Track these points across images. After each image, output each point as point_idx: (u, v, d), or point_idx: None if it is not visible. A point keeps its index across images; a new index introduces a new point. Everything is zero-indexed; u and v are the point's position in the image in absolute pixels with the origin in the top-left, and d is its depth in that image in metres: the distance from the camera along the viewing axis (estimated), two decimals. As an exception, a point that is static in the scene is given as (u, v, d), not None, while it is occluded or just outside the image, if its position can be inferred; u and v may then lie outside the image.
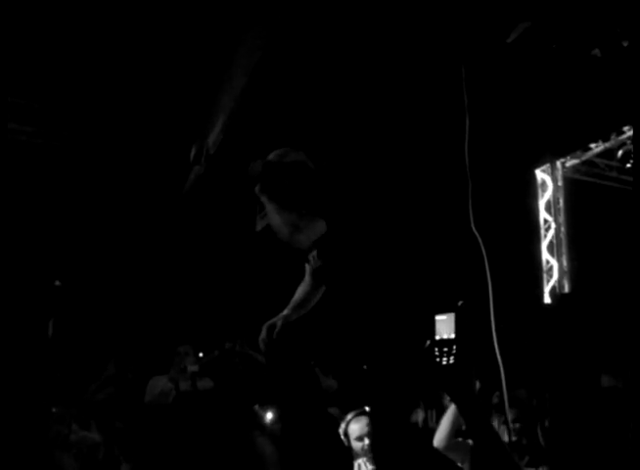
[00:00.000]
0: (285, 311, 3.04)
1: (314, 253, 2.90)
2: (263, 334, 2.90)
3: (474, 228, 2.56)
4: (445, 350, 5.38)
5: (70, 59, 5.55)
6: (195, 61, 4.84)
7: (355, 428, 4.62)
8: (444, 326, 6.20)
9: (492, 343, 2.61)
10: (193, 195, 6.46)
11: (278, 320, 2.94)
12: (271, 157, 2.99)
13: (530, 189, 9.35)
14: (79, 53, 5.43)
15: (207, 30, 4.57)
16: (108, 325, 8.22)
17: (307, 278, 3.16)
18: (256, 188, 2.88)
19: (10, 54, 5.07)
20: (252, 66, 4.40)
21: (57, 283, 7.73)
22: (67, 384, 6.96)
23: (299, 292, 3.11)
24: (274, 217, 2.80)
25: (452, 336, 6.18)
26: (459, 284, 7.81)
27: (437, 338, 6.02)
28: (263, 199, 2.86)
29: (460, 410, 3.26)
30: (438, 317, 6.23)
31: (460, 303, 6.42)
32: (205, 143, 5.38)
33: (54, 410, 6.16)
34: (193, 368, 5.93)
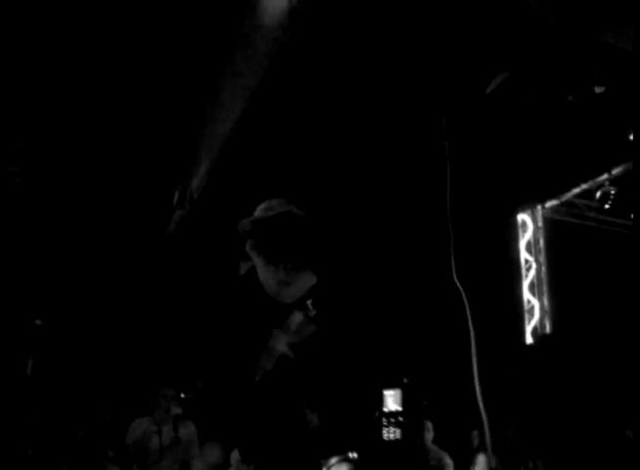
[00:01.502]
0: (282, 336, 3.03)
1: (310, 301, 2.92)
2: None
3: (456, 279, 2.59)
4: (392, 420, 5.96)
5: (53, 99, 5.59)
6: (178, 104, 4.89)
7: (336, 474, 4.58)
8: (392, 399, 7.04)
9: (474, 388, 2.63)
10: (176, 238, 6.47)
11: (285, 351, 2.93)
12: (257, 213, 3.03)
13: (511, 230, 9.44)
14: (63, 94, 5.48)
15: (191, 73, 4.63)
16: (88, 365, 8.12)
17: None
18: (247, 246, 2.91)
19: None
20: (238, 109, 4.47)
21: (37, 322, 7.67)
22: (45, 424, 6.86)
23: (293, 320, 3.12)
24: (262, 274, 2.82)
25: (399, 408, 7.00)
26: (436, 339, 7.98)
27: (386, 410, 6.72)
28: (253, 255, 2.88)
29: None
30: (387, 392, 7.00)
31: (405, 380, 6.89)
32: (189, 187, 5.43)
33: (30, 452, 6.07)
34: (176, 411, 5.88)
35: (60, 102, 5.22)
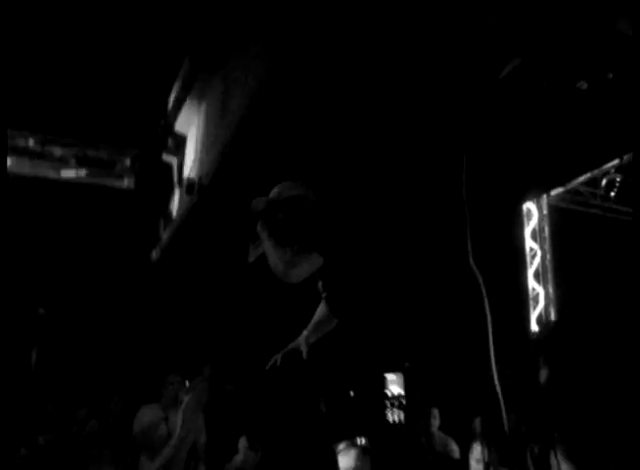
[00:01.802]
0: (304, 333, 3.06)
1: (320, 284, 2.94)
2: (280, 360, 2.91)
3: (472, 264, 2.59)
4: (395, 403, 6.07)
5: (60, 82, 5.57)
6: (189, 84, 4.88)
7: (343, 461, 4.59)
8: (395, 383, 7.28)
9: (492, 376, 2.64)
10: (184, 225, 6.46)
11: (301, 345, 2.95)
12: (271, 194, 3.05)
13: (516, 217, 9.45)
14: (68, 73, 5.46)
15: (202, 57, 4.60)
16: (91, 354, 8.12)
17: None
18: (258, 225, 2.93)
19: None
20: (249, 95, 4.45)
21: (41, 311, 7.66)
22: (52, 413, 6.87)
23: (318, 313, 3.15)
24: (270, 254, 2.84)
25: (402, 392, 7.22)
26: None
27: (389, 393, 6.88)
28: (263, 235, 2.90)
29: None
30: (389, 376, 7.23)
31: (407, 364, 7.04)
32: (199, 173, 5.41)
33: (40, 440, 6.08)
34: (183, 398, 5.89)
35: (72, 83, 5.20)
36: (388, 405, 6.84)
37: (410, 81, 4.55)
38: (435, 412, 6.45)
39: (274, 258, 2.86)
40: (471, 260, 2.60)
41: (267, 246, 2.90)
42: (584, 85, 4.91)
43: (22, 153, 6.62)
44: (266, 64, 3.79)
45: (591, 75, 4.82)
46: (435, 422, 6.41)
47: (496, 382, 2.51)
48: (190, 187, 4.77)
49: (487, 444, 5.81)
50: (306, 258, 2.85)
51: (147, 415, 5.72)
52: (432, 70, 4.25)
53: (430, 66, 4.20)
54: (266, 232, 2.91)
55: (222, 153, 4.56)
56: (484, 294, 2.56)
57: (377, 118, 5.26)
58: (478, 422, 6.87)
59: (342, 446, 4.77)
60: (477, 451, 4.43)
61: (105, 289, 8.02)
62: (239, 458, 6.61)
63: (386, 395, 7.02)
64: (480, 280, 2.57)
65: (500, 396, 2.50)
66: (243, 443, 6.66)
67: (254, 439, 6.50)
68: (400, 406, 6.79)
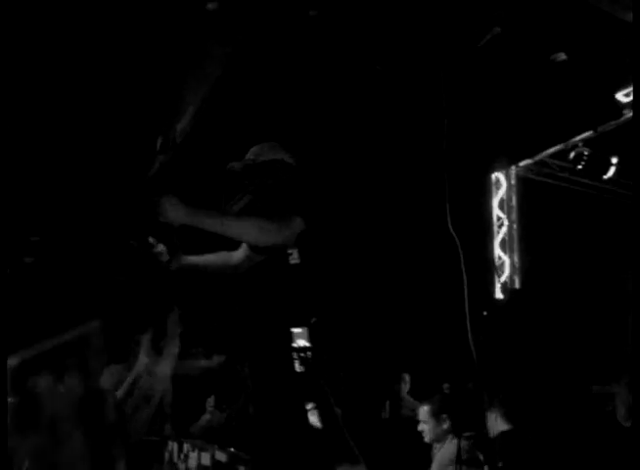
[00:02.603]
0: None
1: (295, 251, 2.89)
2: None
3: (451, 229, 2.63)
4: (302, 355, 6.28)
5: (45, 49, 5.45)
6: (165, 48, 4.79)
7: (310, 421, 4.67)
8: (300, 336, 7.52)
9: (467, 338, 2.69)
10: (157, 183, 6.36)
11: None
12: (248, 156, 2.99)
13: (485, 187, 9.54)
14: (57, 49, 5.34)
15: (178, 19, 4.52)
16: (63, 310, 8.03)
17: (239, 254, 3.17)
18: (234, 190, 2.88)
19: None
20: (226, 56, 4.37)
21: (27, 260, 7.50)
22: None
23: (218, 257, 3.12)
24: (251, 221, 2.78)
25: (308, 344, 7.43)
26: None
27: (295, 345, 7.05)
28: (241, 201, 2.85)
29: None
30: (295, 330, 7.43)
31: (313, 319, 7.22)
32: (173, 132, 5.32)
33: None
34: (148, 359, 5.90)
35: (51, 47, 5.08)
36: (295, 357, 7.13)
37: (391, 46, 4.53)
38: (407, 378, 6.58)
39: (255, 225, 2.81)
40: (450, 226, 2.64)
41: (246, 212, 2.86)
42: (562, 56, 4.94)
43: None
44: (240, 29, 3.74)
45: (568, 48, 4.86)
46: (405, 387, 6.55)
47: (471, 346, 2.56)
48: (164, 145, 4.69)
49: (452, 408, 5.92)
50: (290, 224, 2.81)
51: (113, 375, 5.72)
52: (414, 36, 4.24)
53: (412, 31, 4.19)
54: (244, 198, 2.86)
55: (196, 110, 4.49)
56: (462, 258, 2.60)
57: (356, 86, 5.23)
58: (447, 387, 7.03)
59: (309, 406, 4.84)
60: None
61: (75, 247, 7.90)
62: (206, 418, 6.68)
63: (294, 347, 7.29)
64: (459, 244, 2.60)
65: (475, 358, 2.56)
66: (210, 403, 6.72)
67: (222, 398, 6.56)
68: (304, 359, 7.04)
